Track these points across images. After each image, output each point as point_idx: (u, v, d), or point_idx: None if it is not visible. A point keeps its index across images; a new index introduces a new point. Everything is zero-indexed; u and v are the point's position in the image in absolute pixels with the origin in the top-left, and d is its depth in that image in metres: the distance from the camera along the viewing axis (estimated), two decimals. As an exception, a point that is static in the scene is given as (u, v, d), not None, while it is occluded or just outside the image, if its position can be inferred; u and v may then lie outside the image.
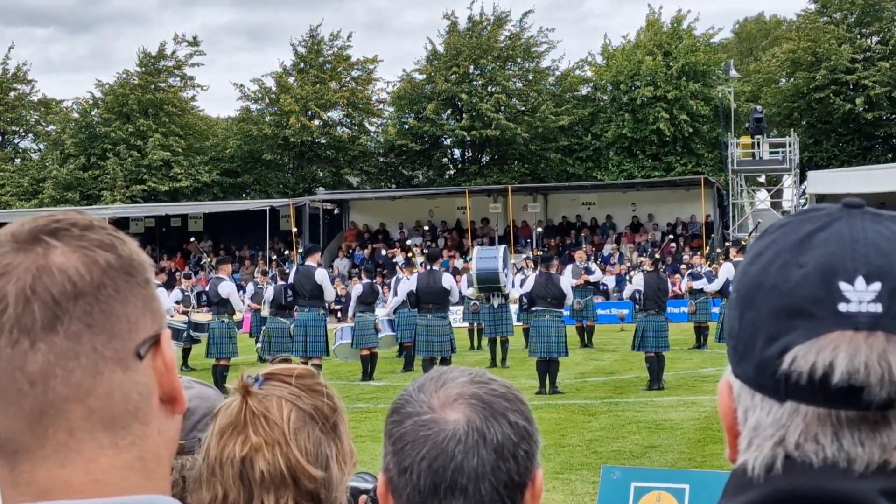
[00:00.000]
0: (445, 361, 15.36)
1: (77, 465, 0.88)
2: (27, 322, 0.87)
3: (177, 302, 20.08)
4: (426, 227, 40.64)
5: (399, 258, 29.01)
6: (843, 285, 0.84)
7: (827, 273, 0.84)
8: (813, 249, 0.86)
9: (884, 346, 0.82)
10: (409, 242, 38.19)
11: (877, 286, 0.84)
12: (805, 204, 35.52)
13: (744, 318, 0.89)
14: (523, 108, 42.57)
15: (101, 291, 0.89)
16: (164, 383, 0.94)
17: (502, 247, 19.74)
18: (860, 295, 0.83)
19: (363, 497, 1.98)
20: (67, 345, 0.88)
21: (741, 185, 37.40)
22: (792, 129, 38.55)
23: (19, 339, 0.87)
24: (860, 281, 0.84)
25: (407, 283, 17.90)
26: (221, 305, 16.24)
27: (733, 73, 41.09)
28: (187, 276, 21.98)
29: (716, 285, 16.90)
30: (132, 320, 0.91)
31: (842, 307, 0.83)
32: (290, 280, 16.22)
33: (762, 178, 41.46)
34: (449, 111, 43.39)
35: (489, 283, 18.87)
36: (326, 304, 16.65)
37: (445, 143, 44.34)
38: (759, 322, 0.87)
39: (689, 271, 22.69)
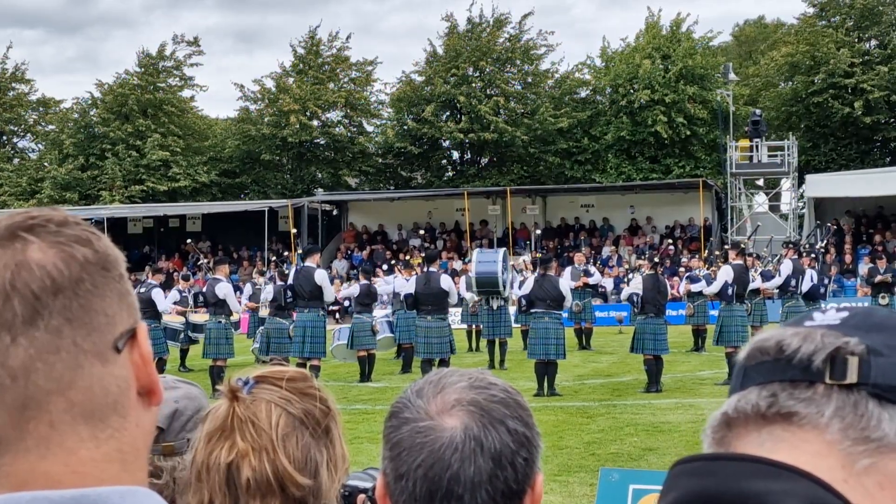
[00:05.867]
0: (444, 363, 15.34)
1: (58, 457, 0.89)
2: (8, 317, 0.88)
3: (174, 303, 20.06)
4: (425, 229, 40.62)
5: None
6: None
7: None
8: None
9: None
10: (410, 243, 38.17)
11: None
12: (804, 207, 35.51)
13: None
14: (522, 111, 42.55)
15: (79, 286, 0.90)
16: (142, 376, 0.95)
17: (502, 250, 19.70)
18: None
19: (361, 496, 1.93)
20: (48, 339, 0.88)
21: (739, 188, 37.42)
22: (790, 133, 38.56)
23: (0, 335, 0.88)
24: None
25: (405, 283, 17.86)
26: (218, 306, 16.23)
27: (732, 76, 41.10)
28: (185, 278, 21.93)
29: (714, 288, 16.85)
30: (109, 314, 0.92)
31: None
32: (290, 281, 16.19)
33: (760, 182, 41.45)
34: (448, 113, 43.37)
35: (488, 288, 18.85)
36: (325, 305, 16.63)
37: (444, 145, 44.32)
38: None
39: (688, 274, 22.67)
